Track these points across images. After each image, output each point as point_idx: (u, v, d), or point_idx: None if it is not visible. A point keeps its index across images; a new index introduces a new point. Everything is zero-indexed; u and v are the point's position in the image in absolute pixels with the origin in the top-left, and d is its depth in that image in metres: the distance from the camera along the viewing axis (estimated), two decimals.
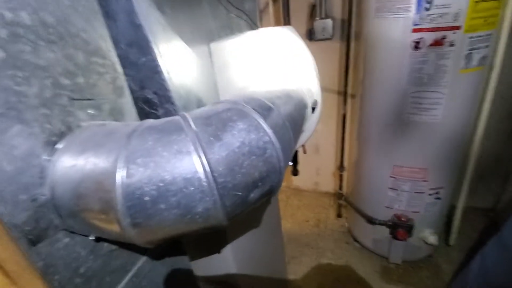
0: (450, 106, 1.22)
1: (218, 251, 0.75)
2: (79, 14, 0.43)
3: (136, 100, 0.62)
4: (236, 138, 0.39)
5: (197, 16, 0.73)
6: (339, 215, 2.20)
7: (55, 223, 0.39)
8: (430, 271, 1.71)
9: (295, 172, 1.55)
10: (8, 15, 0.33)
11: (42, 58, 0.37)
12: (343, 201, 2.02)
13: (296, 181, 2.57)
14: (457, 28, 1.06)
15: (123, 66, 0.57)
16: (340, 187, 2.01)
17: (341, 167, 1.95)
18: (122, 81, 0.51)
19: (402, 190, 1.50)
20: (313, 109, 0.71)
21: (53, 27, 0.39)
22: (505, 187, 1.87)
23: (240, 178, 0.38)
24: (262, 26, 0.93)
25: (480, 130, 1.35)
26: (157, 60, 0.59)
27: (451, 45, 1.09)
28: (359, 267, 1.81)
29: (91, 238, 0.42)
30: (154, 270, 0.59)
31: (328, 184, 2.40)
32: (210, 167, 0.35)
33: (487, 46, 1.11)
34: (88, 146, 0.38)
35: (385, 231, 1.65)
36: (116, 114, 0.49)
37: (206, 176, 0.35)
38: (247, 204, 0.41)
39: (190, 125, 0.38)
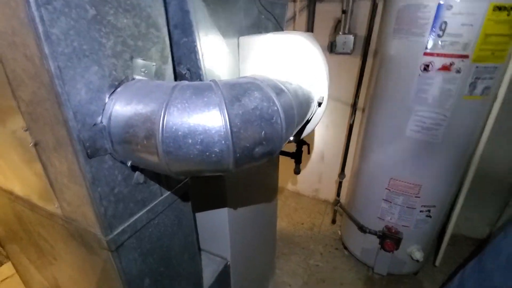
0: (451, 129, 1.31)
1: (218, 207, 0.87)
2: None
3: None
4: (252, 102, 0.50)
5: (232, 12, 0.85)
6: (333, 221, 2.27)
7: (106, 147, 0.52)
8: (412, 287, 1.77)
9: (297, 171, 1.65)
10: None
11: (119, 21, 0.50)
12: (339, 208, 2.09)
13: (296, 185, 2.66)
14: (466, 56, 1.16)
15: None
16: (338, 194, 2.09)
17: (341, 174, 2.04)
18: (168, 52, 0.64)
19: (395, 203, 1.58)
20: (320, 104, 0.82)
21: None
22: (501, 218, 1.91)
23: (250, 133, 0.50)
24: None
25: (477, 157, 1.42)
26: (196, 42, 0.72)
27: (458, 71, 1.19)
28: (345, 273, 1.88)
29: (128, 164, 0.54)
30: (165, 212, 0.71)
31: (328, 192, 2.48)
32: (229, 118, 0.47)
33: (491, 78, 1.20)
34: (141, 92, 0.51)
35: (374, 242, 1.72)
36: (160, 76, 0.62)
37: (225, 124, 0.47)
38: (252, 156, 0.52)
39: (219, 88, 0.50)
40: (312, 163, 2.43)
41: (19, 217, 0.81)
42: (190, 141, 0.46)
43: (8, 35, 0.43)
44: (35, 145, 0.55)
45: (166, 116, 0.46)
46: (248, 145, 0.50)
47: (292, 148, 1.64)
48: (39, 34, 0.39)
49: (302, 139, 1.59)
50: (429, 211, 1.53)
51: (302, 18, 1.94)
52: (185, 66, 0.78)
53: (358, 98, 1.84)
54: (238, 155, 0.50)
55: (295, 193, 2.70)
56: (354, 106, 1.87)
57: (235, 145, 0.48)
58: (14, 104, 0.52)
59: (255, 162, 0.55)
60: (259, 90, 0.53)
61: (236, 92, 0.50)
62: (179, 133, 0.46)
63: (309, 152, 1.61)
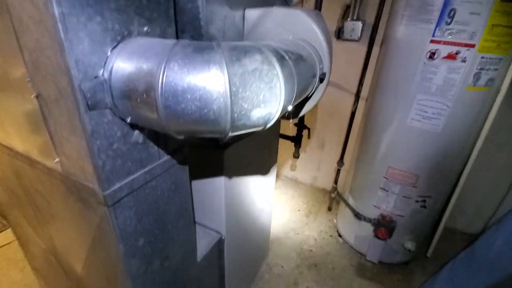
0: (452, 119, 1.30)
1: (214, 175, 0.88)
2: None
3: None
4: (252, 64, 0.51)
5: None
6: (329, 208, 2.30)
7: (106, 101, 0.52)
8: (402, 276, 1.80)
9: (297, 155, 1.66)
10: None
11: None
12: (336, 195, 2.11)
13: (295, 172, 2.68)
14: (472, 46, 1.15)
15: None
16: (336, 181, 2.11)
17: (340, 162, 2.05)
18: (172, 14, 0.64)
19: (392, 192, 1.59)
20: (322, 80, 0.82)
21: None
22: (496, 213, 1.92)
23: (249, 93, 0.50)
24: None
25: (477, 149, 1.42)
26: (199, 8, 0.72)
27: (463, 61, 1.18)
28: (337, 259, 1.91)
29: (128, 121, 0.55)
30: (162, 176, 0.72)
31: (327, 180, 2.50)
32: (228, 77, 0.47)
33: (496, 69, 1.19)
34: (143, 47, 0.51)
35: (368, 230, 1.75)
36: (162, 38, 0.62)
37: (224, 82, 0.47)
38: (250, 119, 0.53)
39: (220, 47, 0.50)
40: (312, 151, 2.44)
41: (18, 174, 0.82)
42: (188, 96, 0.47)
43: None
44: (37, 96, 0.56)
45: (166, 70, 0.46)
46: (246, 105, 0.51)
47: (292, 132, 1.65)
48: None
49: (303, 123, 1.60)
50: (424, 201, 1.55)
51: (310, 3, 1.91)
52: (188, 34, 0.78)
53: (362, 86, 1.83)
54: (235, 115, 0.50)
55: (293, 180, 2.72)
56: (357, 94, 1.86)
57: (233, 104, 0.49)
58: (18, 53, 0.53)
59: (252, 125, 0.56)
60: (260, 53, 0.53)
61: (237, 52, 0.51)
62: (178, 88, 0.47)
63: (309, 137, 1.62)
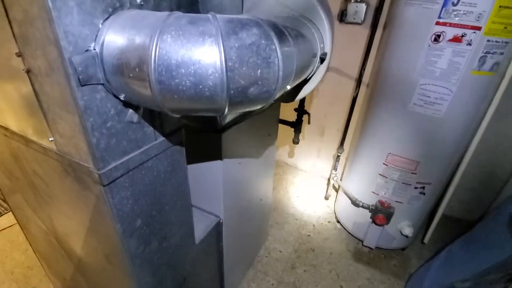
0: (455, 104, 1.28)
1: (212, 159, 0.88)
2: None
3: None
4: (250, 37, 0.49)
5: None
6: (328, 195, 2.31)
7: (98, 76, 0.51)
8: (399, 262, 1.82)
9: (296, 140, 1.65)
10: None
11: None
12: (335, 181, 2.12)
13: (295, 159, 2.68)
14: (478, 28, 1.11)
15: None
16: (335, 168, 2.10)
17: (340, 148, 2.04)
18: None
19: (391, 179, 1.59)
20: (322, 60, 0.80)
21: None
22: (495, 201, 1.92)
23: (245, 69, 0.48)
24: None
25: (479, 135, 1.40)
26: None
27: (469, 44, 1.15)
28: (335, 244, 1.93)
29: (121, 97, 0.54)
30: (159, 157, 0.71)
31: (326, 167, 2.50)
32: (224, 50, 0.46)
33: (502, 53, 1.16)
34: (135, 19, 0.49)
35: (366, 216, 1.76)
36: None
37: (220, 56, 0.45)
38: (247, 96, 0.51)
39: (216, 19, 0.48)
40: (312, 138, 2.42)
41: (15, 156, 0.82)
42: (183, 71, 0.45)
43: None
44: (28, 71, 0.54)
45: (159, 43, 0.45)
46: (243, 82, 0.49)
47: (292, 118, 1.63)
48: None
49: (303, 108, 1.57)
50: (423, 188, 1.55)
51: None
52: (184, 10, 0.75)
53: (364, 71, 1.79)
54: (232, 91, 0.49)
55: (293, 167, 2.72)
56: (359, 79, 1.83)
57: (229, 80, 0.47)
58: (7, 26, 0.51)
59: (249, 104, 0.54)
60: (258, 27, 0.51)
61: (233, 25, 0.48)
62: (172, 61, 0.45)
63: (309, 122, 1.60)
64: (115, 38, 0.48)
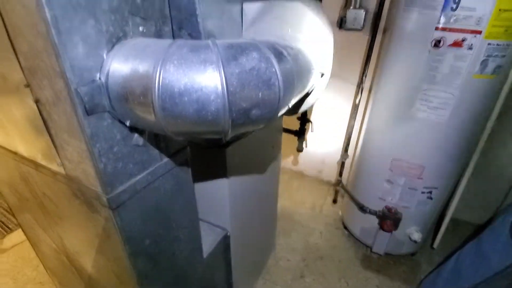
0: (458, 109, 1.28)
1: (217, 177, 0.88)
2: None
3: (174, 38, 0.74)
4: (249, 62, 0.50)
5: None
6: (334, 201, 2.30)
7: (104, 104, 0.52)
8: (409, 267, 1.80)
9: (300, 148, 1.65)
10: None
11: None
12: (341, 188, 2.11)
13: (300, 165, 2.67)
14: (478, 32, 1.11)
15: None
16: (340, 174, 2.10)
17: (344, 155, 2.03)
18: (167, 12, 0.63)
19: (397, 184, 1.58)
20: (322, 75, 0.81)
21: None
22: (503, 204, 1.90)
23: (247, 92, 0.49)
24: None
25: (483, 139, 1.39)
26: (196, 4, 0.70)
27: (469, 48, 1.14)
28: (343, 251, 1.92)
29: (127, 124, 0.55)
30: (165, 176, 0.72)
31: (332, 173, 2.49)
32: (225, 77, 0.47)
33: (503, 56, 1.15)
34: (139, 48, 0.51)
35: (373, 222, 1.74)
36: (158, 37, 0.61)
37: (221, 83, 0.46)
38: (249, 118, 0.52)
39: (216, 46, 0.49)
40: (316, 144, 2.42)
41: (25, 178, 0.83)
42: (186, 98, 0.46)
43: None
44: (37, 101, 0.55)
45: (162, 72, 0.46)
46: (244, 105, 0.50)
47: (295, 126, 1.64)
48: None
49: (306, 117, 1.58)
50: (430, 192, 1.53)
51: None
52: (186, 31, 0.76)
53: (365, 77, 1.80)
54: (234, 114, 0.50)
55: (298, 173, 2.72)
56: (360, 85, 1.83)
57: (231, 104, 0.48)
58: (13, 58, 0.52)
59: (252, 125, 0.55)
60: (257, 50, 0.52)
61: (233, 51, 0.50)
62: (175, 89, 0.46)
63: (312, 130, 1.60)
64: (119, 67, 0.50)
